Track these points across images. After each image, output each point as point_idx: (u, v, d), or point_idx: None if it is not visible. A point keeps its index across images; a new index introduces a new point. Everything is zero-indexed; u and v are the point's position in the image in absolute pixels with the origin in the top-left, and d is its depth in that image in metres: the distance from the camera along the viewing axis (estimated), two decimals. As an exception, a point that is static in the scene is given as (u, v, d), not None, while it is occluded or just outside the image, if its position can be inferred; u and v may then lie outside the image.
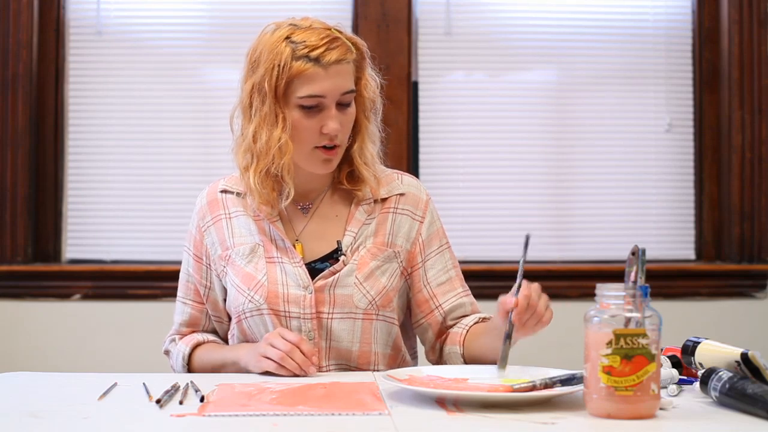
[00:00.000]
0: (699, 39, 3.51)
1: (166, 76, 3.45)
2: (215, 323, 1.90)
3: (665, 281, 3.37)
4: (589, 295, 1.39)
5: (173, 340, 1.91)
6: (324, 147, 1.74)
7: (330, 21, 1.79)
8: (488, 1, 3.51)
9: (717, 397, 1.38)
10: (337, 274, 1.77)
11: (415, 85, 3.45)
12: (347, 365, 1.79)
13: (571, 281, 3.34)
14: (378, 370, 1.79)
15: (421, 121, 3.45)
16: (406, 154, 3.37)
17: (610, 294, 1.32)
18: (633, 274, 1.33)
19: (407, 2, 3.41)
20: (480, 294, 3.26)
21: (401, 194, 1.86)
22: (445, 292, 1.85)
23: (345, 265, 1.78)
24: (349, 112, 1.76)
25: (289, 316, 1.77)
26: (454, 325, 1.84)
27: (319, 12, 3.38)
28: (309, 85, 1.70)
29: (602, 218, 3.50)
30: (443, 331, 1.85)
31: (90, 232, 3.43)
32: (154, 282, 3.30)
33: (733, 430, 1.27)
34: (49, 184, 3.40)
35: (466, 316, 1.86)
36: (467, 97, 3.48)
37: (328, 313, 1.77)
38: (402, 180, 1.89)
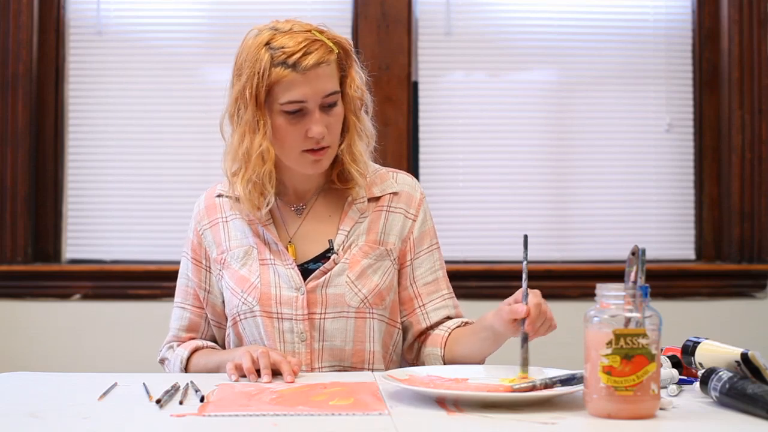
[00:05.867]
0: (699, 39, 3.50)
1: (166, 76, 3.44)
2: (215, 328, 1.88)
3: (665, 281, 3.36)
4: (589, 295, 1.39)
5: (171, 347, 1.87)
6: (312, 150, 1.73)
7: (328, 21, 1.78)
8: (488, 1, 3.50)
9: (717, 397, 1.38)
10: (328, 274, 1.77)
11: (415, 85, 3.45)
12: (340, 365, 1.78)
13: (571, 281, 3.34)
14: (374, 369, 1.79)
15: (421, 121, 3.45)
16: (406, 154, 3.37)
17: (610, 294, 1.32)
18: (633, 274, 1.33)
19: (407, 2, 3.40)
20: (480, 294, 3.30)
21: (395, 193, 1.86)
22: (431, 292, 1.85)
23: (336, 263, 1.78)
24: (335, 113, 1.74)
25: (281, 318, 1.76)
26: (437, 326, 1.84)
27: (319, 12, 3.38)
28: (289, 92, 1.69)
29: (602, 218, 3.50)
30: (424, 331, 1.85)
31: (90, 232, 3.43)
32: (154, 282, 3.30)
33: (733, 430, 1.27)
34: (49, 184, 3.40)
35: (450, 318, 1.85)
36: (467, 97, 3.48)
37: (321, 313, 1.76)
38: (396, 179, 1.88)
